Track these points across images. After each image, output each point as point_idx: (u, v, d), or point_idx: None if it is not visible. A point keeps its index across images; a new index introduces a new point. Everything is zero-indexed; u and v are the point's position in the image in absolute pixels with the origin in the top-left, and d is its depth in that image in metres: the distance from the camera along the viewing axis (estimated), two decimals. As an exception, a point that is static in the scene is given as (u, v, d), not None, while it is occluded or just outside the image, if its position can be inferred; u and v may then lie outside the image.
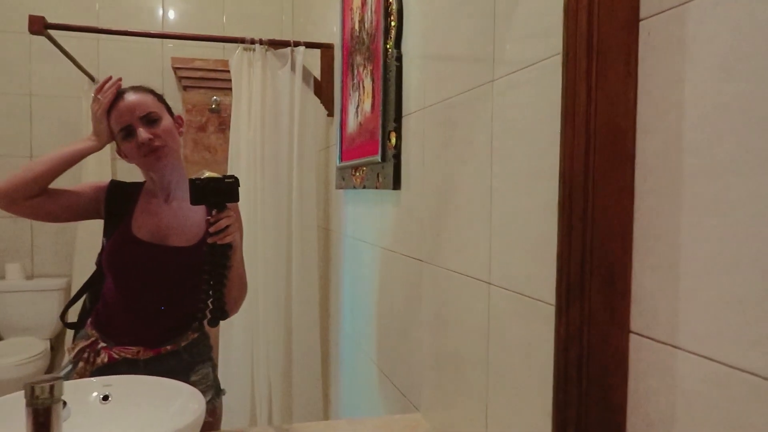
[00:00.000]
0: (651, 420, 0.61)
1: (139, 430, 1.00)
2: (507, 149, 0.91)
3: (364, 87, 1.74)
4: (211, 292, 1.21)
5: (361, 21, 1.77)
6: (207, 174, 1.18)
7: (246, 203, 2.21)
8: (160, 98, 1.40)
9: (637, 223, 0.62)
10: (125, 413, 1.05)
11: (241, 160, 2.27)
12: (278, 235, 2.29)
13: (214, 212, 1.19)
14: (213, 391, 1.42)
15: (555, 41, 0.77)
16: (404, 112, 1.44)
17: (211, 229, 1.18)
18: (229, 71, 2.38)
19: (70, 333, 1.49)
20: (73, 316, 1.49)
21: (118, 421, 1.03)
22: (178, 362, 1.37)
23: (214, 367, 1.48)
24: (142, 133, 1.31)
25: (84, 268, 3.13)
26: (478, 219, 1.01)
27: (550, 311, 0.73)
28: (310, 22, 3.06)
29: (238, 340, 2.25)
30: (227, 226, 1.19)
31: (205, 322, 1.22)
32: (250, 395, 2.28)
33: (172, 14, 3.56)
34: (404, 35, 1.45)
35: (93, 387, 1.07)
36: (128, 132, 1.33)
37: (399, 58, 1.45)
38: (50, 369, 3.27)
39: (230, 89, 2.37)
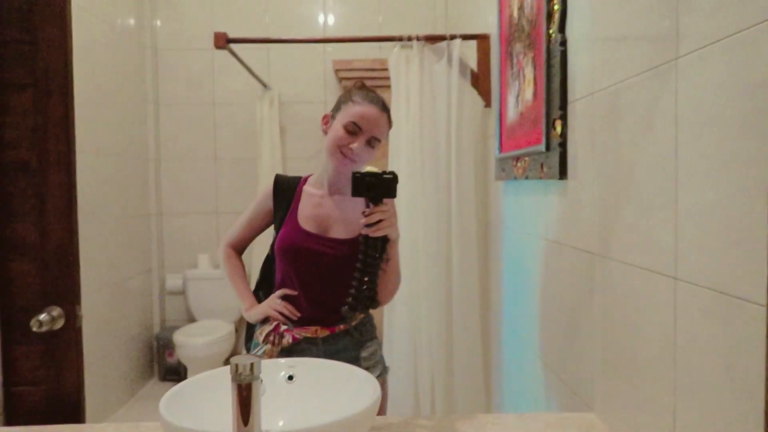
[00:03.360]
0: None
1: (321, 406, 1.08)
2: (695, 132, 0.84)
3: (524, 75, 1.70)
4: (364, 280, 1.27)
5: (521, 8, 1.73)
6: (368, 168, 1.24)
7: (406, 195, 2.27)
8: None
9: None
10: (308, 392, 1.14)
11: (401, 154, 2.33)
12: (438, 227, 2.32)
13: (370, 206, 1.25)
14: (381, 367, 1.53)
15: (753, 9, 0.69)
16: (570, 98, 1.38)
17: (364, 221, 1.25)
18: (386, 69, 2.46)
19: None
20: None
21: (302, 397, 1.13)
22: (350, 340, 1.49)
23: (380, 345, 1.59)
24: (358, 146, 1.40)
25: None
26: (660, 209, 0.94)
27: (759, 312, 0.66)
28: (464, 14, 3.04)
29: (401, 327, 2.33)
30: (380, 221, 1.24)
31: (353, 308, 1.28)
32: (413, 382, 2.35)
33: (332, 19, 3.76)
34: (568, 18, 1.38)
35: (280, 367, 1.18)
36: (354, 131, 1.41)
37: (563, 43, 1.39)
38: (234, 349, 3.65)
39: (388, 86, 2.44)
